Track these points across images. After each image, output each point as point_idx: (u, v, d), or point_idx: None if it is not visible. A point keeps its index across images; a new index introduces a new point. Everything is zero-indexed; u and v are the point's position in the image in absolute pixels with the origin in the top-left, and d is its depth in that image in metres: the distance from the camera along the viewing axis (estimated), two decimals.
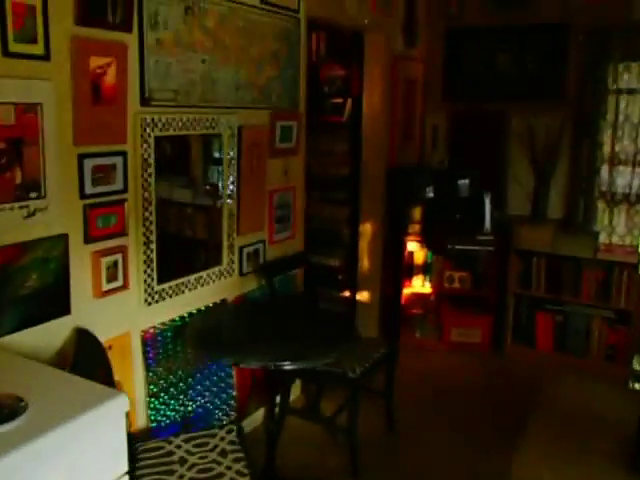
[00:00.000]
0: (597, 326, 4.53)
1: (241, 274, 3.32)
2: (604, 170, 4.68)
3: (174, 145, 3.10)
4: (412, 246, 4.87)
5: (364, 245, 4.95)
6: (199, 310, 3.05)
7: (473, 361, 4.68)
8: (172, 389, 2.92)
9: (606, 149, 4.65)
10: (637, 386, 3.21)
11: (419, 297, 4.96)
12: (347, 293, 5.05)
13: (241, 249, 3.29)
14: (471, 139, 5.17)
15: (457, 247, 4.81)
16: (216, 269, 3.14)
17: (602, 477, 3.22)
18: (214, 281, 3.12)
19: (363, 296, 5.01)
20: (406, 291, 4.92)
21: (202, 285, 3.05)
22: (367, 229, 4.92)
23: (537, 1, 4.79)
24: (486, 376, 4.47)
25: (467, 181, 4.82)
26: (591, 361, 4.53)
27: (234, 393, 3.31)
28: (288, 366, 2.53)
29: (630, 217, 4.64)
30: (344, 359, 3.26)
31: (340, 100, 4.92)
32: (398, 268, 4.89)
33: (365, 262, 4.96)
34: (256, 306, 3.36)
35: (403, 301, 4.92)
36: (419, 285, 4.91)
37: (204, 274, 3.05)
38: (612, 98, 4.59)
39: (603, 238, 4.64)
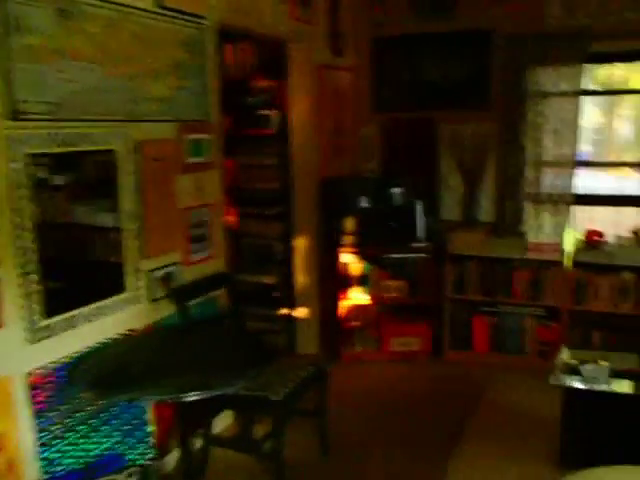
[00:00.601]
0: (530, 324, 4.28)
1: (152, 300, 2.84)
2: (529, 172, 4.38)
3: (74, 166, 2.64)
4: (348, 258, 4.46)
5: (299, 260, 4.51)
6: (101, 344, 2.57)
7: (413, 370, 4.32)
8: (70, 434, 2.43)
9: (529, 152, 4.36)
10: (559, 380, 2.97)
11: (358, 309, 4.55)
12: (284, 310, 4.60)
13: (150, 273, 2.82)
14: (402, 147, 4.82)
15: (392, 256, 4.45)
16: (120, 296, 2.66)
17: (531, 476, 2.98)
18: (118, 311, 2.64)
19: (301, 312, 4.57)
20: (344, 304, 4.50)
21: (103, 316, 2.56)
22: (301, 243, 4.49)
23: (460, 9, 4.51)
24: (426, 384, 4.11)
25: (400, 189, 4.46)
26: (526, 358, 4.29)
27: (150, 429, 2.82)
28: (190, 397, 2.11)
29: (554, 216, 4.36)
30: (268, 381, 2.84)
31: (268, 112, 4.48)
32: (334, 281, 4.48)
33: (301, 277, 4.53)
34: (169, 334, 2.89)
35: (342, 314, 4.50)
36: (357, 297, 4.50)
37: (104, 303, 2.57)
38: (532, 102, 4.32)
39: (531, 238, 4.35)
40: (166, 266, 2.92)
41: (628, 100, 4.82)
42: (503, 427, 3.48)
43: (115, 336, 2.63)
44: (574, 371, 3.07)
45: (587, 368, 3.04)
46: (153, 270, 2.84)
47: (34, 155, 2.21)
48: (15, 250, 2.15)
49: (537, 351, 4.26)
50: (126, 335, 2.69)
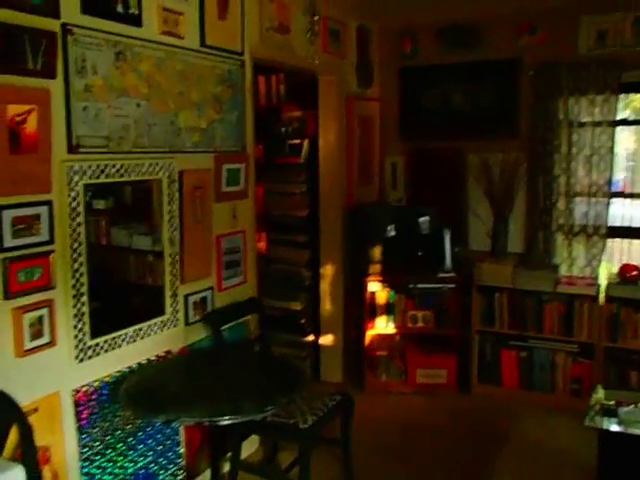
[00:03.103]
0: (561, 360, 4.40)
1: (187, 324, 3.14)
2: (561, 203, 4.61)
3: (115, 191, 2.99)
4: (374, 286, 4.72)
5: (325, 287, 4.80)
6: (140, 364, 2.86)
7: (439, 403, 4.50)
8: (109, 451, 2.71)
9: (561, 182, 4.58)
10: (594, 422, 3.06)
11: (383, 338, 4.79)
12: (310, 337, 4.87)
13: (186, 297, 3.12)
14: (429, 176, 5.09)
15: (419, 286, 4.69)
16: (158, 320, 2.95)
17: None
18: (156, 332, 2.94)
19: (326, 340, 4.84)
20: (370, 332, 4.74)
21: (143, 337, 2.86)
22: (328, 271, 4.78)
23: (487, 39, 4.78)
24: (452, 418, 4.29)
25: (427, 218, 4.72)
26: (557, 396, 4.40)
27: (181, 450, 3.10)
28: (224, 422, 2.36)
29: (588, 248, 4.55)
30: (296, 408, 3.09)
31: (298, 141, 4.81)
32: (360, 309, 4.74)
33: (327, 305, 4.81)
34: (202, 357, 3.17)
35: (367, 343, 4.74)
36: (383, 326, 4.74)
37: (145, 325, 2.87)
38: (564, 131, 4.55)
39: (563, 271, 4.55)
40: (201, 291, 3.22)
41: None
42: (534, 465, 3.57)
43: (153, 357, 2.92)
44: (610, 412, 3.10)
45: (625, 410, 3.09)
46: (189, 294, 3.13)
47: (88, 185, 2.53)
48: (71, 273, 2.46)
49: (569, 389, 4.36)
50: (163, 357, 2.98)
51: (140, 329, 2.84)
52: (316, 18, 3.99)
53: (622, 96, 4.50)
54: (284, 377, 2.88)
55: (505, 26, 4.69)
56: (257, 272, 3.86)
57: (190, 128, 3.04)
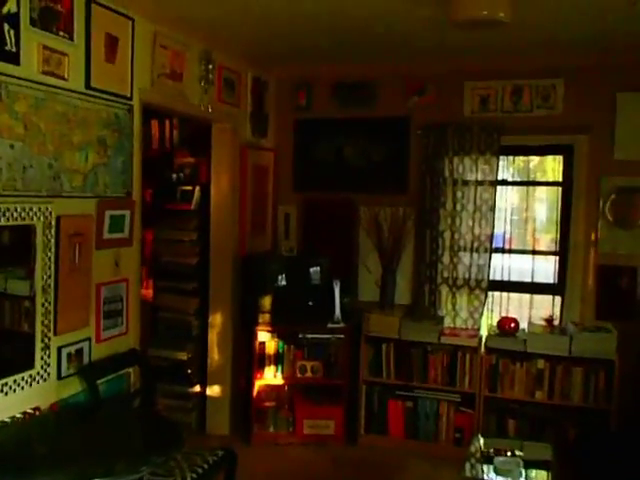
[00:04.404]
0: (445, 410, 4.51)
1: (59, 378, 2.96)
2: (446, 257, 4.80)
3: None
4: (264, 336, 4.67)
5: (214, 336, 4.70)
6: (3, 423, 2.64)
7: (326, 454, 4.48)
8: None
9: (446, 236, 4.79)
10: (471, 473, 3.16)
11: (272, 388, 4.73)
12: (197, 388, 4.72)
13: (59, 349, 2.95)
14: (322, 227, 5.16)
15: (309, 336, 4.69)
16: (27, 373, 2.77)
17: None
18: (23, 388, 2.75)
19: (213, 391, 4.72)
20: (258, 383, 4.67)
21: (7, 393, 2.66)
22: (217, 320, 4.69)
23: (380, 97, 4.97)
24: (338, 469, 4.28)
25: (318, 269, 4.77)
26: (440, 445, 4.49)
27: None
28: None
29: (471, 301, 4.75)
30: (175, 466, 2.97)
31: (190, 188, 4.75)
32: (249, 359, 4.67)
33: (215, 354, 4.70)
34: (75, 414, 2.99)
35: (255, 394, 4.66)
36: (271, 376, 4.69)
37: (10, 380, 2.67)
38: (449, 188, 4.77)
39: (448, 322, 4.71)
40: (77, 342, 3.06)
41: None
42: None
43: (19, 415, 2.71)
44: (489, 460, 3.23)
45: (500, 460, 3.22)
46: (63, 346, 2.96)
47: None
48: None
49: (452, 438, 4.48)
50: (31, 414, 2.77)
51: (5, 383, 2.64)
52: (210, 67, 4.01)
53: (508, 157, 4.84)
54: (161, 434, 2.77)
55: (396, 86, 4.92)
56: (143, 321, 3.74)
57: (71, 171, 2.93)
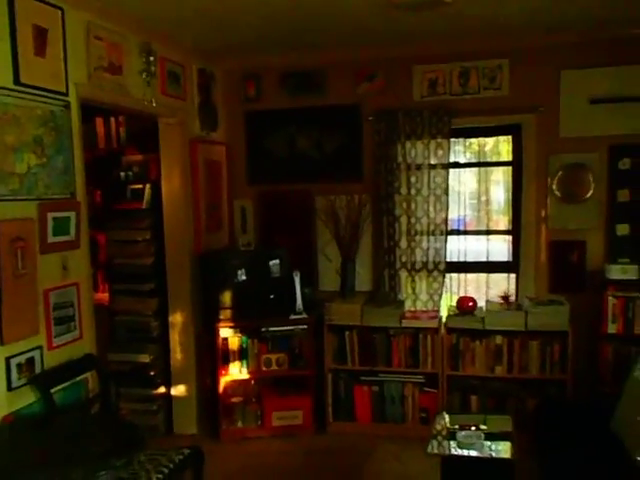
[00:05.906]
0: (410, 391, 4.53)
1: (9, 389, 2.82)
2: (403, 242, 4.78)
3: None
4: (226, 332, 4.58)
5: (175, 336, 4.59)
6: None
7: (296, 444, 4.44)
8: None
9: (403, 221, 4.77)
10: (434, 449, 3.19)
11: (238, 384, 4.64)
12: (161, 389, 4.60)
13: (8, 360, 2.81)
14: (279, 219, 5.09)
15: (271, 329, 4.62)
16: None
17: None
18: None
19: (178, 390, 4.61)
20: (224, 379, 4.58)
21: None
22: (177, 319, 4.58)
23: (330, 85, 4.90)
24: (309, 458, 4.24)
25: (277, 261, 4.69)
26: (407, 426, 4.52)
27: None
28: None
29: (430, 284, 4.74)
30: (140, 468, 2.87)
31: (140, 186, 4.60)
32: (213, 356, 4.57)
33: (178, 354, 4.59)
34: (29, 425, 2.85)
35: (221, 390, 4.57)
36: (237, 372, 4.60)
37: None
38: (403, 174, 4.73)
39: (408, 306, 4.70)
40: (27, 351, 2.92)
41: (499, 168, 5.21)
42: None
43: None
44: (454, 436, 3.27)
45: (462, 434, 3.27)
46: (12, 356, 2.83)
47: None
48: None
49: (418, 418, 4.52)
50: None
51: None
52: (152, 59, 3.87)
53: (463, 140, 4.83)
54: (121, 437, 2.68)
55: (346, 73, 4.85)
56: (101, 326, 3.62)
57: (5, 174, 2.77)
